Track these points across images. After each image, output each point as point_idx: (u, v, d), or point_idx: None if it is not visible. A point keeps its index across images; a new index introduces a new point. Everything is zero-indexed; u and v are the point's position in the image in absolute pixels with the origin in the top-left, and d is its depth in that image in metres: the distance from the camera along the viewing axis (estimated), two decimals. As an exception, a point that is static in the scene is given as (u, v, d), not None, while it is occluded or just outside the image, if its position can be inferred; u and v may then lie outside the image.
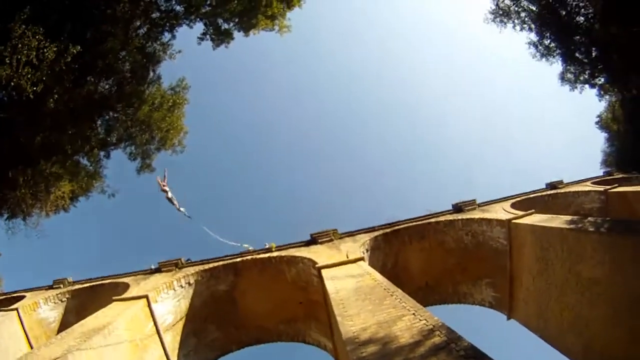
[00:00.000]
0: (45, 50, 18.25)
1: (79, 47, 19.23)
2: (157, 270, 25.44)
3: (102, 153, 25.66)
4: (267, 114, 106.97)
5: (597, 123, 47.89)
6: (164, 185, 25.02)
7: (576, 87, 26.26)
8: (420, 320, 10.51)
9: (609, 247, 15.91)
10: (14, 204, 24.20)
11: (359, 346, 9.75)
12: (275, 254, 24.35)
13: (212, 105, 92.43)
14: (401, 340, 9.64)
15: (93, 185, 26.98)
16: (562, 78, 26.63)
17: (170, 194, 24.21)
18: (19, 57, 17.54)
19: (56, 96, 19.96)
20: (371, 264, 22.20)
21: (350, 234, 25.66)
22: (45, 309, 25.79)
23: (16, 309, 24.38)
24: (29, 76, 17.76)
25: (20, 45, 17.55)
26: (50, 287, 27.50)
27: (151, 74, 24.88)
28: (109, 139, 24.78)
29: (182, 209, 24.75)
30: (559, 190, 30.87)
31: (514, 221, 22.69)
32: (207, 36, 25.99)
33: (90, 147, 24.18)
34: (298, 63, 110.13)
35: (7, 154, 21.11)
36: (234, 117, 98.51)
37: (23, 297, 26.88)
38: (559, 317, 20.00)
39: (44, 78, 18.53)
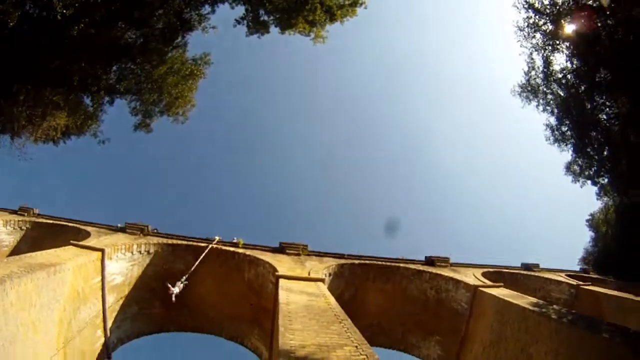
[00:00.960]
0: None
1: None
2: (122, 230, 25.24)
3: (106, 98, 25.33)
4: (272, 115, 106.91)
5: (587, 221, 48.20)
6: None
7: (579, 181, 26.43)
8: (361, 354, 10.35)
9: (566, 339, 15.77)
10: (7, 120, 23.83)
11: (292, 362, 9.56)
12: (240, 250, 24.25)
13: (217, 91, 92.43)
14: (335, 368, 9.46)
15: (88, 125, 26.61)
16: (568, 168, 26.79)
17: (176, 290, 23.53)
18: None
19: (82, 26, 19.72)
20: (330, 289, 22.04)
21: (319, 254, 25.66)
22: (3, 231, 25.53)
23: (-26, 221, 24.06)
24: None
25: None
26: (15, 212, 27.25)
27: (179, 38, 24.68)
28: (117, 86, 24.48)
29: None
30: (532, 273, 30.90)
31: (480, 289, 22.65)
32: (245, 21, 25.81)
33: (98, 87, 23.88)
34: (314, 73, 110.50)
35: (18, 68, 20.82)
36: (240, 110, 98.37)
37: (-15, 213, 26.64)
38: (498, 394, 19.90)
39: (77, 4, 18.32)
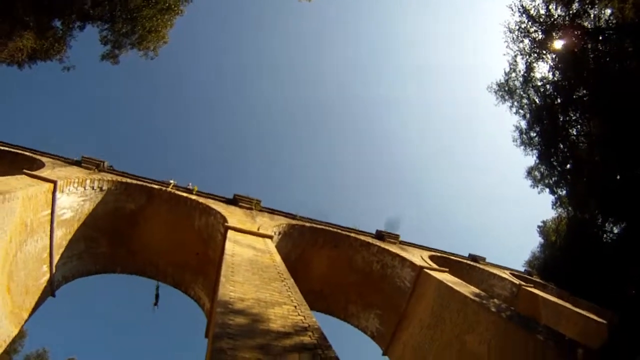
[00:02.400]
0: None
1: None
2: (77, 163, 24.63)
3: (77, 23, 24.53)
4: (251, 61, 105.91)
5: (539, 227, 49.07)
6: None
7: (537, 187, 26.83)
8: (299, 315, 10.53)
9: (501, 332, 16.47)
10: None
11: (229, 312, 9.66)
12: (193, 197, 24.15)
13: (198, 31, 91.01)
14: (272, 325, 9.60)
15: (56, 50, 25.76)
16: (529, 172, 27.20)
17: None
18: None
19: None
20: (278, 247, 22.25)
21: (271, 211, 25.85)
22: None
23: None
24: None
25: None
26: (-36, 133, 26.61)
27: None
28: (91, 12, 23.70)
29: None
30: (478, 265, 31.69)
31: (426, 270, 23.23)
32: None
33: (71, 10, 23.15)
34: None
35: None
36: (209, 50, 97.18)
37: None
38: (427, 375, 20.53)
39: None
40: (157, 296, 26.00)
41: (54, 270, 21.12)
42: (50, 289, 21.50)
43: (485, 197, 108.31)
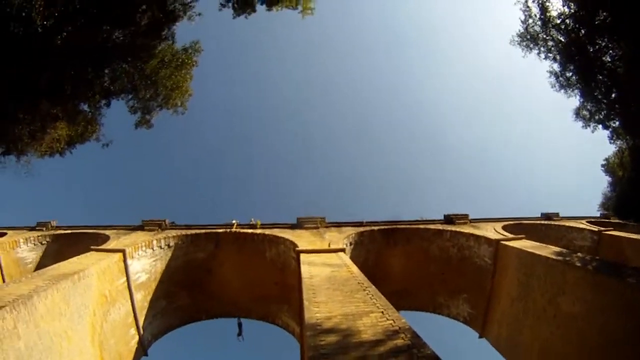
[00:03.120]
0: None
1: None
2: (140, 228, 25.40)
3: (103, 101, 25.30)
4: (269, 95, 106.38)
5: (603, 166, 47.57)
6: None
7: (589, 126, 25.86)
8: (388, 319, 10.34)
9: (592, 286, 15.67)
10: (10, 140, 23.94)
11: (319, 334, 9.60)
12: (258, 231, 24.31)
13: (216, 75, 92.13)
14: (363, 335, 9.49)
15: (89, 131, 26.65)
16: (577, 114, 26.26)
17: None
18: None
19: (65, 34, 19.67)
20: (352, 258, 22.09)
21: (337, 224, 25.71)
22: (24, 248, 25.79)
23: (-6, 244, 24.33)
24: (41, 9, 17.52)
25: None
26: (33, 229, 27.54)
27: (166, 30, 24.48)
28: (112, 88, 24.42)
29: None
30: (552, 222, 30.72)
31: (502, 242, 22.53)
32: (230, 4, 25.57)
33: (93, 92, 23.86)
34: (311, 48, 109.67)
35: (10, 87, 20.85)
36: (235, 93, 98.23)
37: (4, 234, 26.88)
38: (529, 346, 19.84)
39: (56, 14, 18.29)
40: (239, 326, 26.15)
41: (141, 332, 21.76)
42: (142, 350, 22.14)
43: (542, 154, 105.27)
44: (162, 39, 24.60)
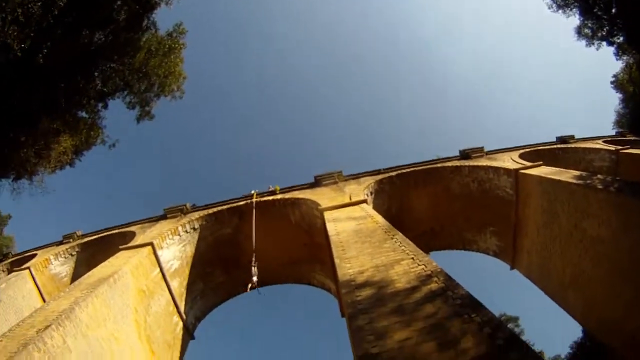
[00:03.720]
0: (30, 5, 17.81)
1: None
2: (163, 217, 25.61)
3: (99, 104, 25.40)
4: (265, 62, 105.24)
5: (612, 83, 46.58)
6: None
7: (593, 44, 25.34)
8: (419, 265, 10.39)
9: (616, 207, 15.53)
10: (18, 165, 24.18)
11: (355, 289, 9.71)
12: (279, 196, 24.50)
13: (210, 52, 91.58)
14: (397, 285, 9.56)
15: (93, 137, 26.83)
16: (579, 32, 25.70)
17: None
18: (4, 15, 17.21)
19: (45, 51, 19.63)
20: (375, 208, 22.16)
21: (355, 176, 25.56)
22: (56, 264, 26.19)
23: (28, 268, 24.79)
24: (15, 34, 17.49)
25: (4, 3, 17.22)
26: (60, 243, 27.87)
27: (146, 20, 24.30)
28: (105, 90, 24.45)
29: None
30: (569, 145, 30.26)
31: (521, 171, 22.33)
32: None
33: (88, 97, 23.92)
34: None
35: (5, 115, 20.96)
36: (232, 64, 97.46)
37: (34, 255, 27.33)
38: (561, 272, 19.97)
39: (32, 34, 18.26)
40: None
41: (184, 317, 22.38)
42: (188, 334, 22.87)
43: (549, 77, 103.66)
44: (144, 29, 24.42)
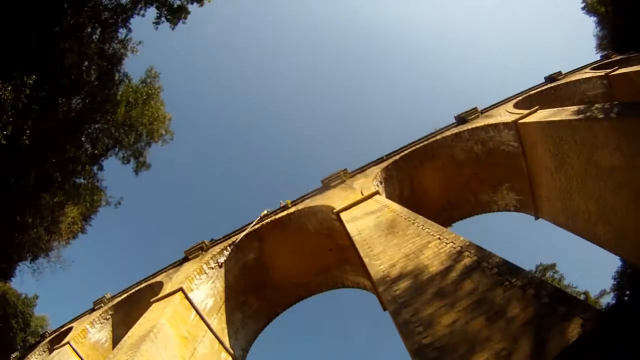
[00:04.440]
0: (1, 92, 17.93)
1: (34, 76, 18.85)
2: (185, 260, 25.59)
3: (94, 167, 25.62)
4: (241, 79, 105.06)
5: (583, 8, 46.34)
6: None
7: None
8: (447, 243, 10.30)
9: (622, 132, 15.22)
10: (32, 245, 24.37)
11: (391, 284, 9.65)
12: (292, 209, 24.29)
13: (187, 83, 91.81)
14: (431, 269, 9.50)
15: (96, 201, 27.04)
16: None
17: None
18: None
19: (28, 131, 19.72)
20: (388, 196, 22.10)
21: (361, 170, 25.37)
22: (94, 332, 26.17)
23: (68, 343, 24.78)
24: None
25: None
26: (92, 310, 27.84)
27: (117, 75, 24.48)
28: (96, 152, 24.66)
29: None
30: (559, 82, 29.96)
31: (520, 121, 22.02)
32: (162, 18, 25.30)
33: (81, 164, 24.08)
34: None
35: (6, 201, 21.12)
36: (211, 90, 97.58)
37: (70, 328, 27.34)
38: (585, 210, 19.73)
39: (11, 119, 18.35)
40: None
41: (232, 351, 22.49)
42: None
43: (519, 26, 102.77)
44: (117, 83, 24.64)
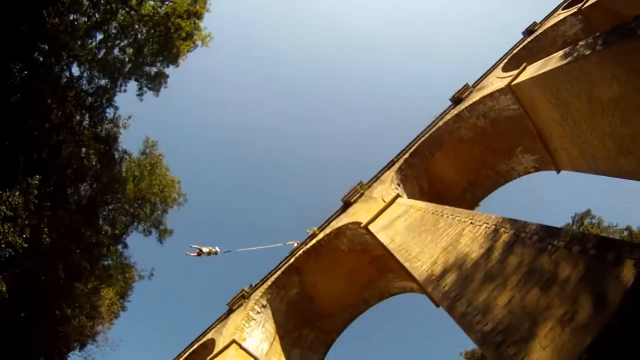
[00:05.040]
0: (10, 199, 18.36)
1: (38, 176, 19.26)
2: (230, 311, 25.53)
3: (119, 246, 25.98)
4: (240, 117, 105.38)
5: None
6: (199, 253, 26.10)
7: None
8: (481, 225, 10.23)
9: (613, 60, 15.15)
10: (77, 334, 24.59)
11: (438, 282, 9.59)
12: (320, 235, 24.23)
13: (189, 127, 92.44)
14: (472, 255, 9.42)
15: (129, 278, 27.33)
16: None
17: (205, 249, 25.25)
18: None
19: (46, 229, 20.05)
20: (409, 195, 22.06)
21: (376, 177, 25.28)
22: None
23: None
24: (11, 230, 17.87)
25: None
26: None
27: (116, 154, 24.95)
28: (117, 232, 25.00)
29: (216, 248, 25.38)
30: (537, 32, 30.06)
31: (513, 83, 21.92)
32: (144, 89, 25.78)
33: (106, 247, 24.41)
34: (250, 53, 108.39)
35: (43, 299, 21.41)
36: (213, 133, 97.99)
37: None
38: (602, 148, 19.48)
39: (26, 222, 18.68)
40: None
41: None
42: None
43: None
44: (118, 161, 25.23)
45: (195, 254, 27.55)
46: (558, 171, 24.60)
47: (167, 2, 25.93)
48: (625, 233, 40.56)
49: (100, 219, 24.53)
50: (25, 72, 20.42)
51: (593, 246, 7.02)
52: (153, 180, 25.93)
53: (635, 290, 5.89)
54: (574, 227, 43.24)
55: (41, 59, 23.30)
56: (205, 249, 26.45)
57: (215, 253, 26.87)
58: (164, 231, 27.35)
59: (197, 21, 26.11)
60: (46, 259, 20.73)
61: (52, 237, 20.17)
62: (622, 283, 6.11)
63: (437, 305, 19.89)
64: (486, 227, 9.90)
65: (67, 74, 24.81)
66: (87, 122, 24.52)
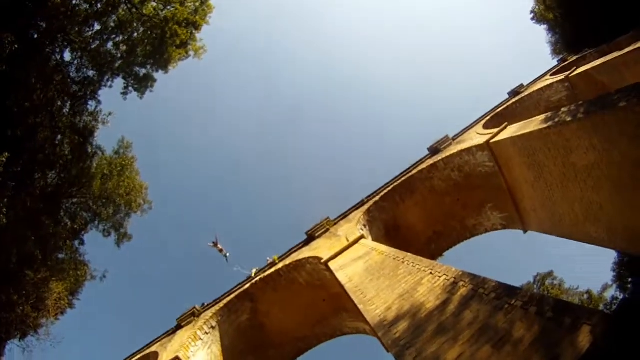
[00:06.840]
0: None
1: (7, 153, 18.80)
2: (178, 327, 24.97)
3: (75, 242, 25.40)
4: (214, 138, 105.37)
5: (532, 19, 48.24)
6: (215, 244, 26.84)
7: None
8: (440, 277, 10.25)
9: (593, 128, 15.55)
10: (20, 323, 23.86)
11: (390, 328, 9.51)
12: (280, 265, 24.05)
13: (165, 146, 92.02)
14: (428, 305, 9.39)
15: (81, 275, 26.69)
16: None
17: (220, 246, 25.80)
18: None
19: (5, 209, 19.56)
20: (374, 237, 22.04)
21: (343, 215, 25.39)
22: None
23: None
24: None
25: None
26: (91, 393, 27.31)
27: (90, 148, 24.60)
28: (76, 227, 24.53)
29: (228, 253, 26.19)
30: (523, 95, 30.74)
31: (492, 141, 22.42)
32: (130, 88, 25.61)
33: (63, 240, 23.90)
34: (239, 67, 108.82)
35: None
36: (189, 149, 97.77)
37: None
38: (571, 212, 19.87)
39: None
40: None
41: None
42: None
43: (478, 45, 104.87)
44: (91, 156, 24.67)
45: (212, 244, 29.39)
46: (525, 231, 24.97)
47: (168, 7, 26.08)
48: (585, 297, 41.45)
49: (62, 211, 24.03)
50: (17, 46, 20.11)
51: (550, 309, 7.06)
52: (121, 182, 25.57)
53: (590, 357, 5.88)
54: (535, 286, 44.40)
55: (35, 36, 23.09)
56: (220, 246, 27.40)
57: (225, 256, 27.74)
58: (123, 235, 26.89)
59: (194, 31, 26.24)
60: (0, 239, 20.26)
61: (9, 219, 19.67)
62: (577, 349, 6.14)
63: (388, 351, 19.83)
64: (445, 279, 9.90)
65: (58, 57, 24.56)
66: (67, 110, 24.12)
